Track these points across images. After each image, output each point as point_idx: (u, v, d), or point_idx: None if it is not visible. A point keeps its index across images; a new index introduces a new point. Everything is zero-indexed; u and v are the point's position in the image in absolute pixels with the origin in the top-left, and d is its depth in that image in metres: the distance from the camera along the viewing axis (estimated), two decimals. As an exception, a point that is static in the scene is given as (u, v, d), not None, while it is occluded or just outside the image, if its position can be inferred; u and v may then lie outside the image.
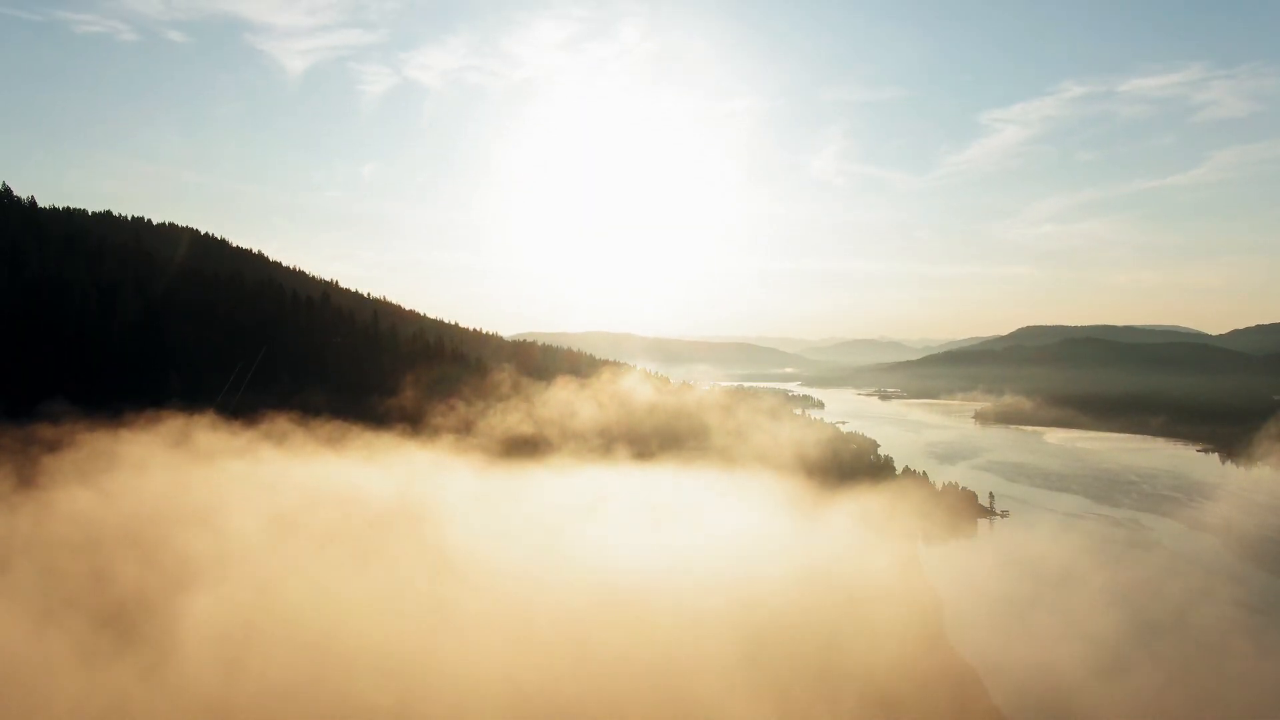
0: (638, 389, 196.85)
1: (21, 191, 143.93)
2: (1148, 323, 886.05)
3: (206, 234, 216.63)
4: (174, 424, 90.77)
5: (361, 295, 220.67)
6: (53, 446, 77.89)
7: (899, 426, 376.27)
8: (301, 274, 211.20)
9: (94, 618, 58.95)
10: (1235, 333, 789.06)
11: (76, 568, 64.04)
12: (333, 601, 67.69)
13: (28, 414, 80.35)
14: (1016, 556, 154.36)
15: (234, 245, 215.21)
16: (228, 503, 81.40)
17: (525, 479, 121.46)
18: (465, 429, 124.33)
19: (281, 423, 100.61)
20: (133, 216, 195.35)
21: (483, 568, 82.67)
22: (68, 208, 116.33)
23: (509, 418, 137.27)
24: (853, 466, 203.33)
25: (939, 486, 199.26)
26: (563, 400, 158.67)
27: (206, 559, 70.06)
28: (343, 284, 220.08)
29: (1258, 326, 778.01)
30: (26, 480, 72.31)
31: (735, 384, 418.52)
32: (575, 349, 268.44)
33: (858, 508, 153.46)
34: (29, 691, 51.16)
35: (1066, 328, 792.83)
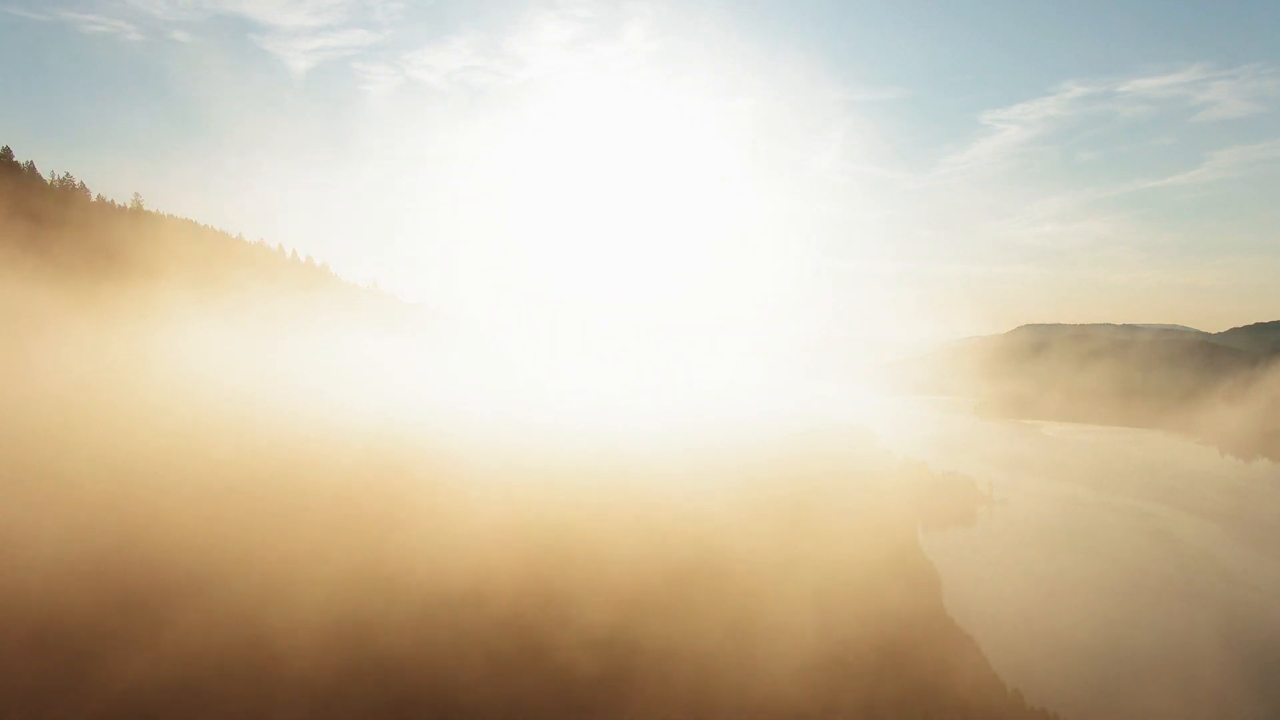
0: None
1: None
2: (1147, 321, 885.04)
3: (206, 226, 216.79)
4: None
5: (359, 287, 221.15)
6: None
7: (899, 420, 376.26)
8: (301, 264, 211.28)
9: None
10: (1234, 331, 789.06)
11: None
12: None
13: None
14: (1015, 541, 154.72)
15: (234, 238, 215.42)
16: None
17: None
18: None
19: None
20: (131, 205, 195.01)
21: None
22: (67, 173, 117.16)
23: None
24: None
25: (939, 475, 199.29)
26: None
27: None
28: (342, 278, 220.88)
29: (1256, 325, 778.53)
30: None
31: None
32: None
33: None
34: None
35: (1066, 326, 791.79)
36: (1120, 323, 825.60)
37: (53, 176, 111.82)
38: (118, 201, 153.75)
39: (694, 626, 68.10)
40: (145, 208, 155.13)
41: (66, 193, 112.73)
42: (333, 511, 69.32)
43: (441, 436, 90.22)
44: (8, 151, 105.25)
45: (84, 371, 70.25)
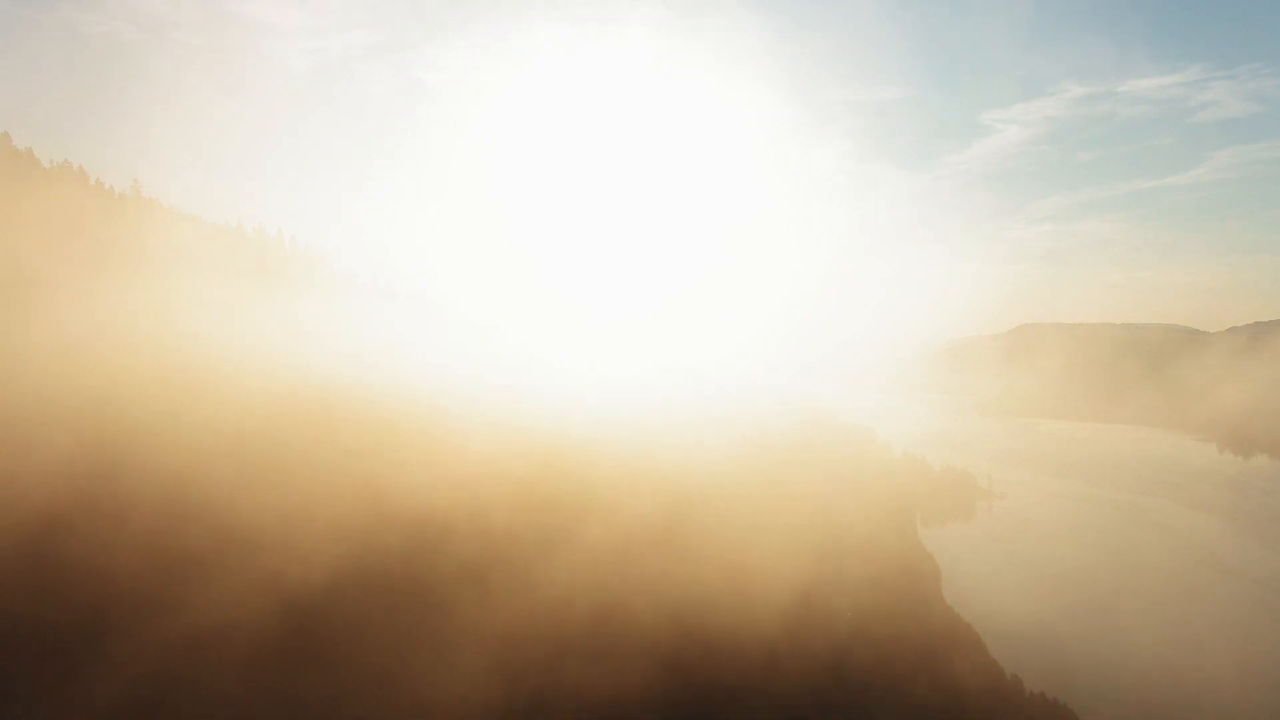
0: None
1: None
2: (1145, 319, 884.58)
3: (206, 221, 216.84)
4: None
5: (359, 280, 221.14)
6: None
7: (899, 418, 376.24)
8: (301, 252, 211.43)
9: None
10: (1233, 330, 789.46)
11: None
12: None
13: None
14: (1013, 533, 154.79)
15: (233, 226, 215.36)
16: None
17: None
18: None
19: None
20: (130, 193, 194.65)
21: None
22: (65, 159, 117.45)
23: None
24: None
25: (939, 470, 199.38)
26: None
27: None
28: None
29: (1255, 324, 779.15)
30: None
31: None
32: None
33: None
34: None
35: (1065, 325, 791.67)
36: (1119, 321, 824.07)
37: (50, 163, 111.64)
38: (116, 189, 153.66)
39: (688, 565, 68.65)
40: (144, 195, 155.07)
41: (64, 176, 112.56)
42: (333, 455, 69.56)
43: (452, 403, 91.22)
44: (6, 136, 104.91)
45: (84, 338, 70.27)
